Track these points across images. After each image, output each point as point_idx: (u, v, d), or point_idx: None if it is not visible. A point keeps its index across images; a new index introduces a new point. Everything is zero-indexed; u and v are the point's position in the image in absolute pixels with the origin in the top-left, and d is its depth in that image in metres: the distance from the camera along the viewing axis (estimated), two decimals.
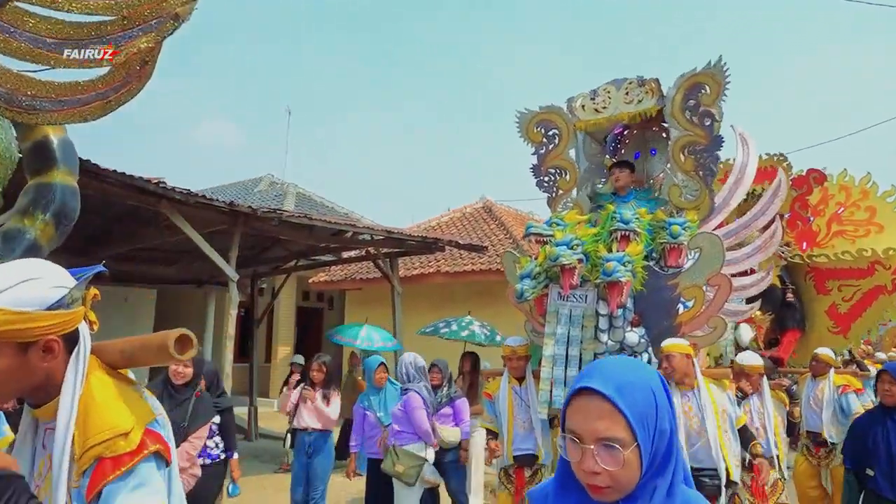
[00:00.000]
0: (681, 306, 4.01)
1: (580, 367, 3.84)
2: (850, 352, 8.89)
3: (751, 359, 4.82)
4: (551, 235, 4.06)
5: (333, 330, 10.55)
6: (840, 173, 7.21)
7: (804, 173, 7.22)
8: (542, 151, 4.86)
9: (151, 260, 10.09)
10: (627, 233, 3.99)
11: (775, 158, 7.21)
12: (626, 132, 5.12)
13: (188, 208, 6.61)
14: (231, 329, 7.08)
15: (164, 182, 6.28)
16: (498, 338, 7.60)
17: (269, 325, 14.00)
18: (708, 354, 8.33)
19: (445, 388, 5.23)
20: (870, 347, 9.96)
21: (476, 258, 11.17)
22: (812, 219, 7.17)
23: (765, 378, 4.82)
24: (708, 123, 4.19)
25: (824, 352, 5.76)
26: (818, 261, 6.73)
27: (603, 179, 5.04)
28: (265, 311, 12.00)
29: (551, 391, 3.96)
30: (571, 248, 3.85)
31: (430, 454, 4.84)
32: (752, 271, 5.04)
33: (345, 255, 10.78)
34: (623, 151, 5.09)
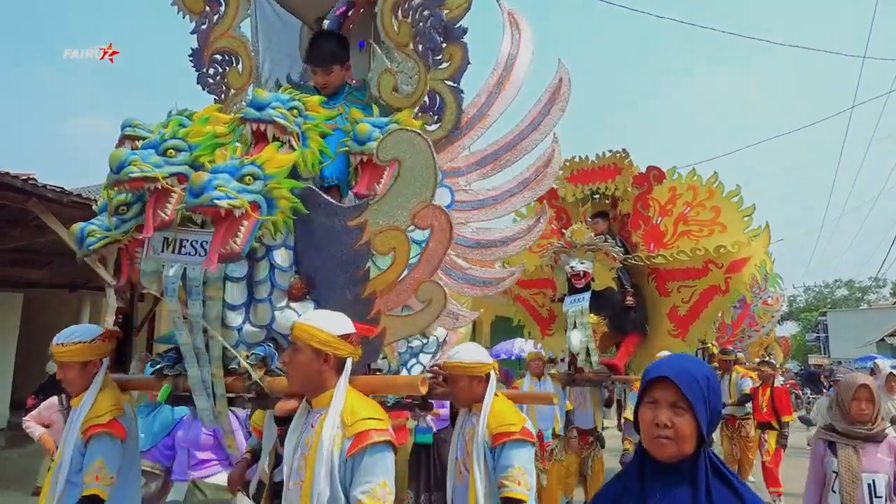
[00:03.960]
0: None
1: (211, 363, 2.32)
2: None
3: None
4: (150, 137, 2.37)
5: (160, 337, 10.37)
6: (689, 172, 6.73)
7: (645, 171, 6.73)
8: (205, 27, 3.13)
9: (18, 262, 9.53)
10: (263, 127, 2.31)
11: (618, 155, 6.66)
12: (350, 13, 3.46)
13: (61, 207, 6.41)
14: None
15: (33, 178, 6.07)
16: None
17: (151, 333, 13.46)
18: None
19: None
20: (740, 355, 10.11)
21: None
22: (660, 219, 6.78)
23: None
24: None
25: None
26: (656, 262, 6.18)
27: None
28: (146, 318, 11.57)
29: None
30: (165, 155, 2.22)
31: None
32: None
33: None
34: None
